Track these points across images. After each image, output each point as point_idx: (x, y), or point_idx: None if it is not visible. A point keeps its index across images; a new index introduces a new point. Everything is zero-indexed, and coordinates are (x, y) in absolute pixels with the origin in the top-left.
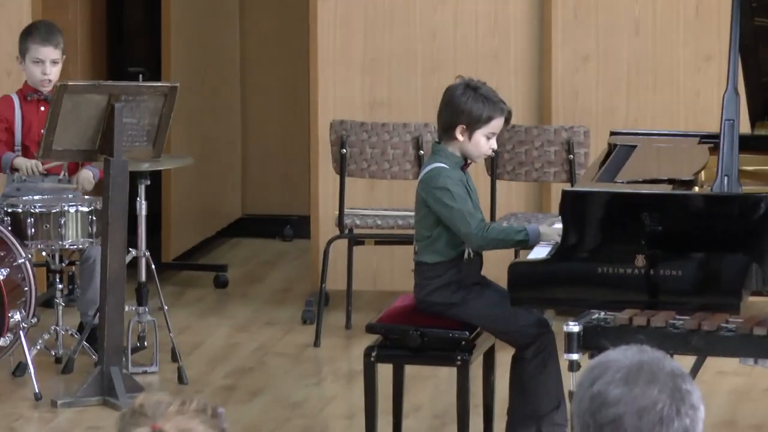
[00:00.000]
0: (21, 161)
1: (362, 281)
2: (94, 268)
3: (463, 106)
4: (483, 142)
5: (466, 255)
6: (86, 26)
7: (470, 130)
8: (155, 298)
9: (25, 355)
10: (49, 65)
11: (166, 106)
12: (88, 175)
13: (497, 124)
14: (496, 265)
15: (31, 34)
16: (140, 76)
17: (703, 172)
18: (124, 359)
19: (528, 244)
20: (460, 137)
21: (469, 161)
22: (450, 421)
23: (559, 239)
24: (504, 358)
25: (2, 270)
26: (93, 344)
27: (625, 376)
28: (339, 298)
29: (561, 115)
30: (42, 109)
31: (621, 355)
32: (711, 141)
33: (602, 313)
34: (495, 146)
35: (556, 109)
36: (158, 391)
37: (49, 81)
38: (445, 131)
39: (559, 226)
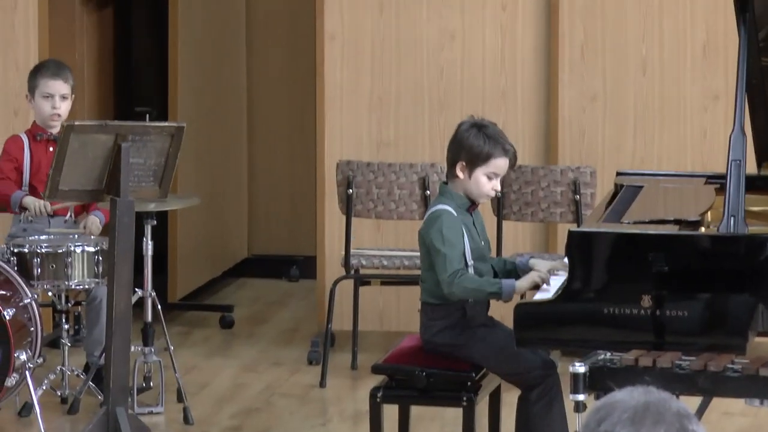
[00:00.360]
0: (30, 200)
1: (368, 321)
2: (100, 308)
3: (464, 142)
4: (483, 181)
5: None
6: (93, 65)
7: (470, 168)
8: (161, 338)
9: (31, 396)
10: (58, 100)
11: (173, 146)
12: (95, 221)
13: (498, 163)
14: (503, 306)
15: (40, 70)
16: (147, 115)
17: (709, 213)
18: (130, 399)
19: (501, 297)
20: (460, 174)
21: (475, 203)
22: None
23: (538, 281)
24: (510, 398)
25: (8, 310)
26: (99, 384)
27: (631, 416)
28: (345, 338)
29: (567, 154)
30: (51, 149)
31: (627, 396)
32: (717, 181)
33: (608, 354)
34: (498, 188)
35: (562, 149)
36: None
37: (58, 116)
38: (449, 168)
39: (532, 276)
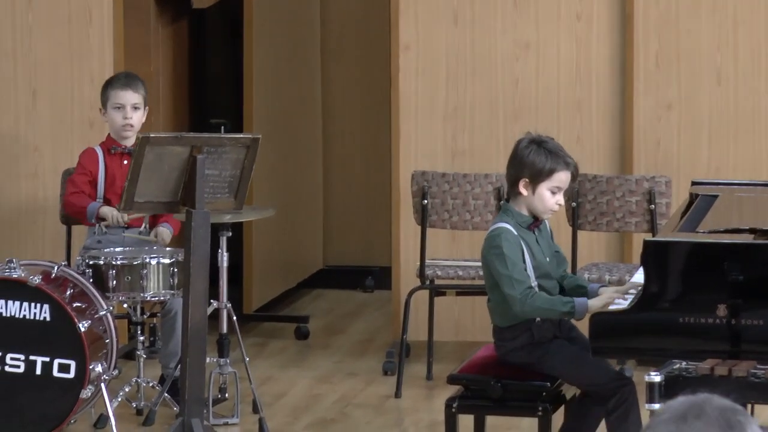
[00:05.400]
0: (107, 210)
1: (443, 332)
2: (176, 319)
3: (525, 159)
4: (548, 196)
5: (538, 318)
6: (168, 77)
7: (533, 184)
8: (237, 350)
9: (107, 407)
10: (130, 110)
11: (248, 158)
12: (164, 232)
13: (561, 177)
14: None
15: (111, 83)
16: (222, 127)
17: None
18: (205, 411)
19: (574, 316)
20: (524, 191)
21: (538, 219)
22: None
23: (609, 302)
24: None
25: (84, 322)
26: (174, 396)
27: (672, 415)
28: (420, 348)
29: (642, 164)
30: (125, 162)
31: (675, 401)
32: None
33: (684, 363)
34: (562, 201)
35: (637, 158)
36: None
37: (131, 126)
38: (511, 186)
39: (606, 295)
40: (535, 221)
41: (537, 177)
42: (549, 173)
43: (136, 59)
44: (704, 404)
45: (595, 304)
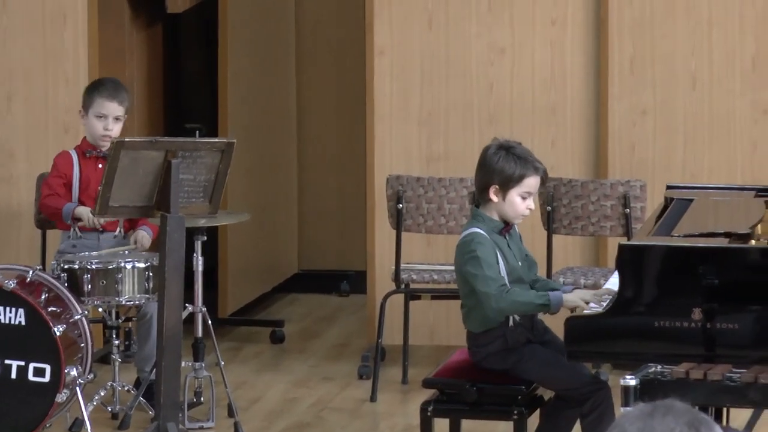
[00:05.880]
0: (83, 210)
1: (418, 336)
2: (151, 323)
3: (495, 165)
4: (518, 201)
5: (511, 321)
6: (143, 81)
7: (504, 190)
8: (212, 354)
9: (82, 412)
10: (111, 121)
11: (222, 162)
12: (144, 236)
13: (531, 182)
14: (551, 319)
15: (98, 89)
16: (197, 131)
17: (759, 226)
18: (180, 415)
19: (549, 309)
20: (494, 198)
21: (509, 224)
22: None
23: (582, 304)
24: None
25: (59, 326)
26: (150, 400)
27: (640, 413)
28: (395, 352)
29: (617, 168)
30: (100, 166)
31: (641, 404)
32: (767, 194)
33: (659, 367)
34: (532, 206)
35: (612, 163)
36: None
37: (110, 138)
38: (481, 193)
39: (581, 292)
40: (506, 226)
41: (507, 183)
42: (519, 179)
43: (111, 62)
44: (672, 403)
45: (569, 298)
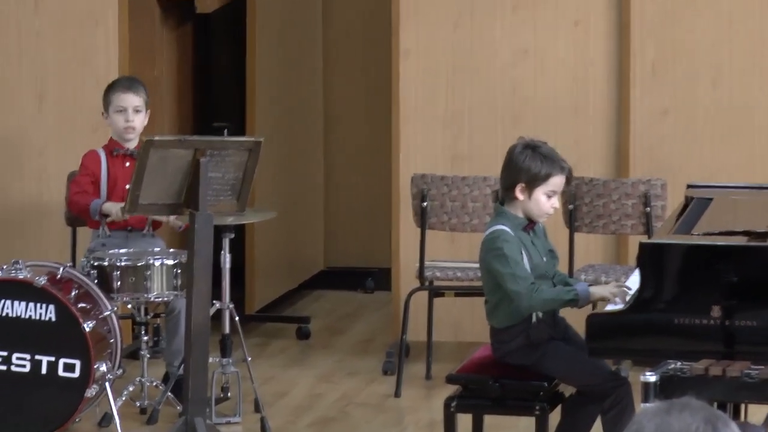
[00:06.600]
0: (110, 206)
1: (442, 332)
2: (179, 320)
3: (521, 164)
4: (543, 200)
5: (534, 318)
6: (172, 81)
7: (530, 189)
8: (239, 350)
9: (111, 406)
10: (131, 112)
11: (250, 161)
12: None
13: (557, 181)
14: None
15: (113, 86)
16: (225, 130)
17: None
18: (208, 410)
19: (578, 303)
20: (520, 196)
21: (532, 221)
22: None
23: (608, 295)
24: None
25: (89, 322)
26: (178, 395)
27: (657, 410)
28: (419, 349)
29: (639, 167)
30: (127, 164)
31: (659, 402)
32: None
33: (679, 363)
34: (557, 205)
35: (633, 162)
36: None
37: (133, 129)
38: (506, 191)
39: (610, 287)
40: (530, 223)
41: (533, 182)
42: (545, 178)
43: (141, 63)
44: (689, 401)
45: (596, 290)
